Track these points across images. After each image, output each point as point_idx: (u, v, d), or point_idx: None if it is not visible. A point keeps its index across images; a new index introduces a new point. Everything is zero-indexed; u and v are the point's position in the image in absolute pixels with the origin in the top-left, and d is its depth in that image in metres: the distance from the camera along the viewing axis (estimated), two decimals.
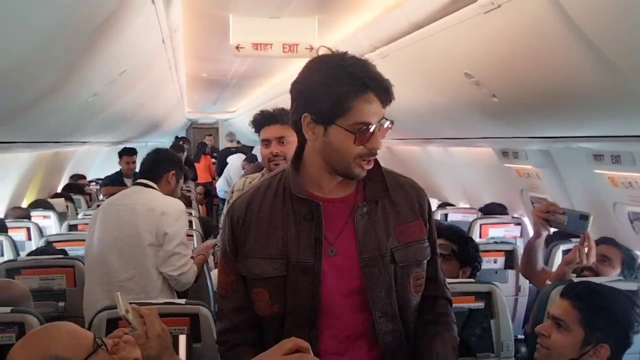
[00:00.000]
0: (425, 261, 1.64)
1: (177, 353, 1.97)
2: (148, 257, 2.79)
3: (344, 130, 1.46)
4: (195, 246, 3.64)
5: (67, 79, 2.79)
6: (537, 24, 2.05)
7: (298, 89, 1.52)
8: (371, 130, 1.47)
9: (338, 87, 1.44)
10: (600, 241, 2.83)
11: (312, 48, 3.68)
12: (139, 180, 3.01)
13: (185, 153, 10.74)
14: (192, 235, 3.88)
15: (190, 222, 4.38)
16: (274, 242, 1.54)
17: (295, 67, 6.05)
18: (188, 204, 5.47)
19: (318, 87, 1.46)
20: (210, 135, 13.45)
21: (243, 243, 1.57)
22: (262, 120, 2.59)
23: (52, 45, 2.22)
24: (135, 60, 3.56)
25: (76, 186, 6.96)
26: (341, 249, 1.55)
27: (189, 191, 6.80)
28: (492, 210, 4.71)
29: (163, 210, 2.80)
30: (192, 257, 2.97)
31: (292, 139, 2.22)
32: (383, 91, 1.48)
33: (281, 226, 1.55)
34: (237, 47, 3.79)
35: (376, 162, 1.58)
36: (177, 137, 12.83)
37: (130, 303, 1.76)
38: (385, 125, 1.51)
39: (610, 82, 2.01)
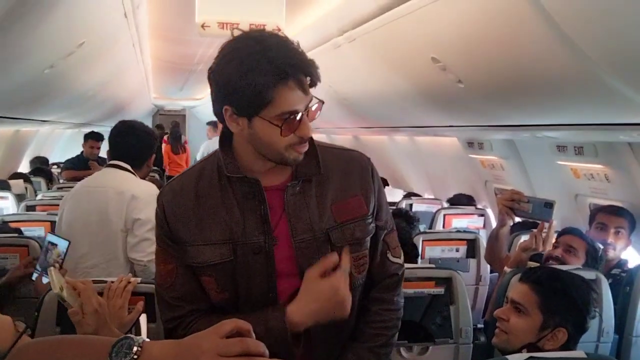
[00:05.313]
0: (367, 238, 1.55)
1: (140, 333, 1.87)
2: (118, 243, 2.69)
3: (269, 123, 1.36)
4: None
5: (22, 45, 2.67)
6: (506, 9, 2.03)
7: (215, 78, 1.40)
8: (298, 118, 1.37)
9: (257, 77, 1.31)
10: (566, 231, 2.81)
11: (279, 29, 3.60)
12: (111, 162, 2.88)
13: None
14: None
15: None
16: (216, 227, 1.45)
17: None
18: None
19: (235, 77, 1.33)
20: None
21: (181, 230, 1.47)
22: None
23: (10, 7, 2.12)
24: (95, 32, 3.44)
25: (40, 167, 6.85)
26: (280, 236, 1.47)
27: (154, 176, 6.67)
28: (459, 201, 4.73)
29: (133, 194, 2.68)
30: None
31: None
32: (308, 75, 1.36)
33: (223, 209, 1.46)
34: (202, 26, 3.67)
35: (310, 138, 1.47)
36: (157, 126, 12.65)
37: (65, 276, 1.66)
38: (314, 108, 1.41)
39: (577, 68, 2.00)
